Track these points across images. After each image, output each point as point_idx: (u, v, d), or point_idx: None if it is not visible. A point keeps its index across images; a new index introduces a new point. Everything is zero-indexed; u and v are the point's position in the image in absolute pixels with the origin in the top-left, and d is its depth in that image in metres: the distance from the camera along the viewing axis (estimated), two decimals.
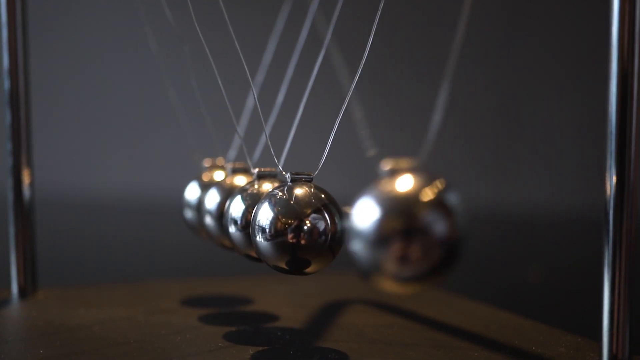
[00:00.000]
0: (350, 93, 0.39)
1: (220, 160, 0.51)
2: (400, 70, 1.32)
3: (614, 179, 0.37)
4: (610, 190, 0.37)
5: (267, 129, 0.45)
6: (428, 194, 0.31)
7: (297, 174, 0.39)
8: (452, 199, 0.31)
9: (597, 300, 0.38)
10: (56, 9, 1.39)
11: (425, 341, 0.44)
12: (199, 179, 0.50)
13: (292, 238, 0.38)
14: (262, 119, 0.44)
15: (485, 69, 1.30)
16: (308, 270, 0.39)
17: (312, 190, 0.39)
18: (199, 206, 0.48)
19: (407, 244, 0.30)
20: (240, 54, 0.44)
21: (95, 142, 1.40)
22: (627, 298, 0.37)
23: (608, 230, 0.37)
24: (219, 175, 0.50)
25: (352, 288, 0.56)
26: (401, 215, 0.31)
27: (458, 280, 0.77)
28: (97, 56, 1.39)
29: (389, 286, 0.32)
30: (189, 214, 0.50)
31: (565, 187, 1.28)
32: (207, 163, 0.51)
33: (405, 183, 0.31)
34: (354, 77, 0.39)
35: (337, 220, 0.38)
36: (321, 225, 0.38)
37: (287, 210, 0.38)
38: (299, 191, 0.38)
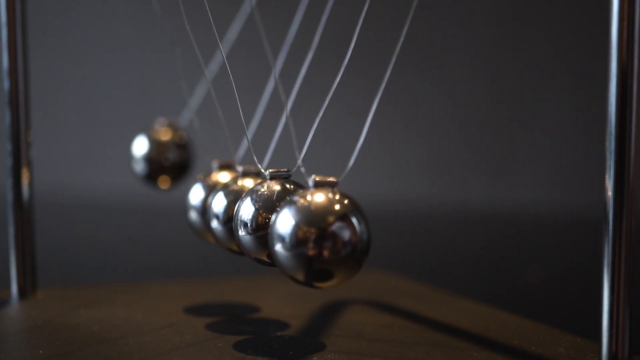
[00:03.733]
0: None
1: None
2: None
3: (614, 179, 0.37)
4: (610, 190, 0.37)
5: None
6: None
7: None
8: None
9: (597, 301, 0.38)
10: (56, 9, 1.39)
11: (425, 341, 0.44)
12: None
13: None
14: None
15: (485, 69, 1.30)
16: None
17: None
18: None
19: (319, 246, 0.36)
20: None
21: (95, 142, 1.40)
22: (627, 298, 0.37)
23: (608, 230, 0.37)
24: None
25: (352, 288, 0.56)
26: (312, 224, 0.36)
27: (458, 280, 0.77)
28: (97, 56, 1.39)
29: (302, 279, 0.37)
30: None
31: (565, 187, 1.28)
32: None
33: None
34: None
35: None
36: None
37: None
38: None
